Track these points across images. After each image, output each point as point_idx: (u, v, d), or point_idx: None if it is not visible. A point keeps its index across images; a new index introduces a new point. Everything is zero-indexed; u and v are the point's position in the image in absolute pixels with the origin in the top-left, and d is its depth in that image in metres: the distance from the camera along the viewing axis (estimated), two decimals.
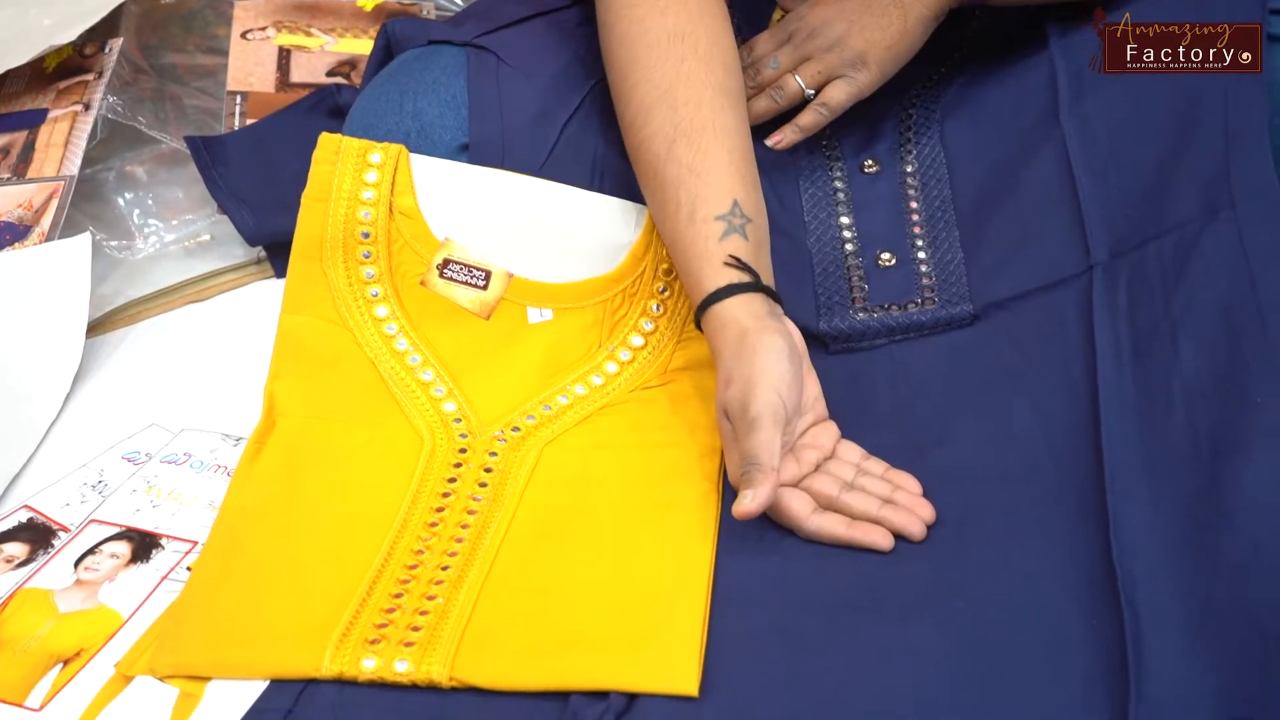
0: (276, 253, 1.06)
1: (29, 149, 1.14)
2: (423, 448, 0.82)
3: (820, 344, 0.87)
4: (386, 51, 1.05)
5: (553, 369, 0.87)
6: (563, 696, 0.66)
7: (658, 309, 0.89)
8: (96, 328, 1.02)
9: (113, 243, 1.09)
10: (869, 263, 0.90)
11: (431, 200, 0.90)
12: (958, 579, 0.71)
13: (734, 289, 0.78)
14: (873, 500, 0.74)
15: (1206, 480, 0.70)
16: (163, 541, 0.79)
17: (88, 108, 1.15)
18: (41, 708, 0.68)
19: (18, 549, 0.79)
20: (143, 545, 0.79)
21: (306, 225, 0.89)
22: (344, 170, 0.89)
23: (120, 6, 1.20)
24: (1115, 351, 0.78)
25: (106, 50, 1.21)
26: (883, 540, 0.72)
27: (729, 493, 0.78)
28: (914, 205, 0.91)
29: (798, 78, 0.90)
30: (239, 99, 1.21)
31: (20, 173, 1.12)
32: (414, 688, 0.68)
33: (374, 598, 0.72)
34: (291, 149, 0.97)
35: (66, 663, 0.70)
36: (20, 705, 0.68)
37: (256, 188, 1.07)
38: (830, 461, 0.77)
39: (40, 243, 1.03)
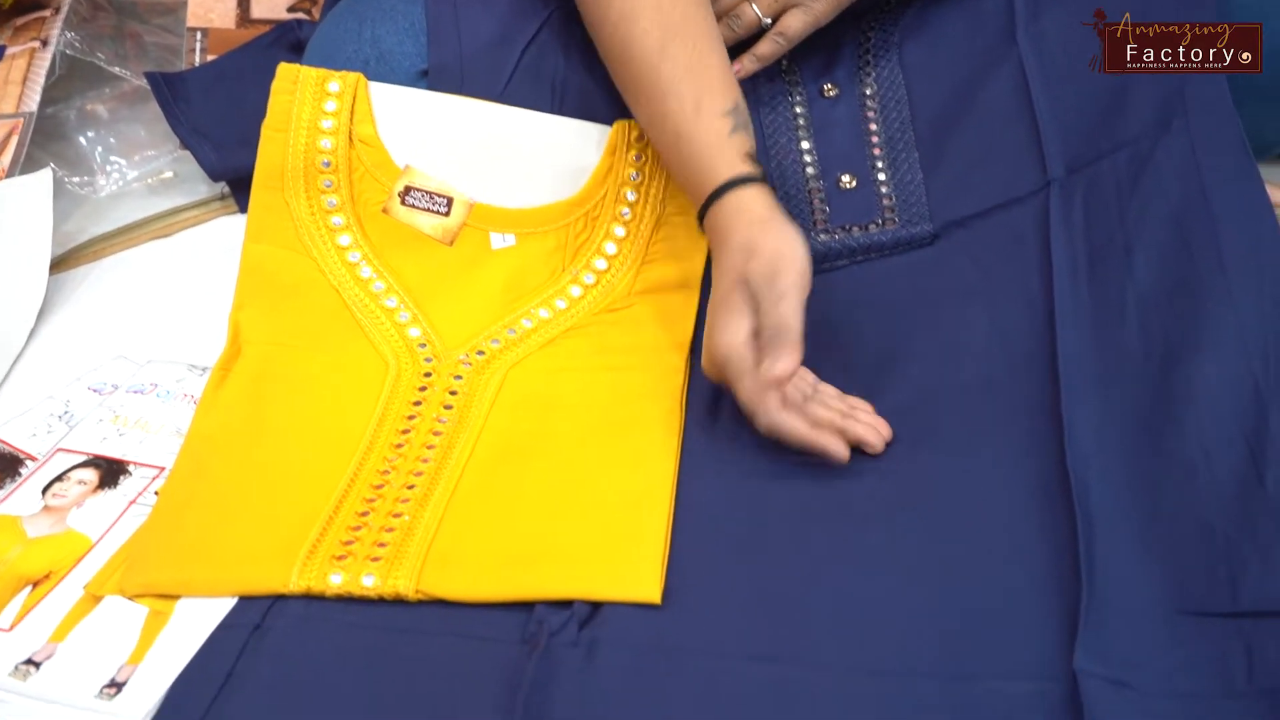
0: (239, 188, 1.06)
1: None
2: (388, 372, 0.83)
3: None
4: None
5: (516, 293, 0.87)
6: (528, 607, 0.67)
7: (621, 232, 0.89)
8: (61, 264, 1.01)
9: (75, 179, 1.09)
10: (830, 185, 0.90)
11: (391, 128, 0.90)
12: (916, 488, 0.72)
13: (753, 179, 0.78)
14: (834, 412, 0.75)
15: (1158, 386, 0.72)
16: (130, 468, 0.79)
17: (45, 44, 1.14)
18: (11, 628, 0.68)
19: None
20: (110, 471, 0.79)
21: (267, 156, 0.89)
22: (303, 100, 0.89)
23: None
24: (1071, 265, 0.79)
25: None
26: (841, 449, 0.72)
27: (691, 413, 0.80)
28: (873, 127, 0.92)
29: (754, 6, 0.90)
30: (199, 35, 1.21)
31: None
32: (381, 601, 0.69)
33: (340, 515, 0.73)
34: (253, 84, 0.97)
35: (36, 585, 0.71)
36: None
37: (218, 124, 1.06)
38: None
39: (0, 179, 1.03)
